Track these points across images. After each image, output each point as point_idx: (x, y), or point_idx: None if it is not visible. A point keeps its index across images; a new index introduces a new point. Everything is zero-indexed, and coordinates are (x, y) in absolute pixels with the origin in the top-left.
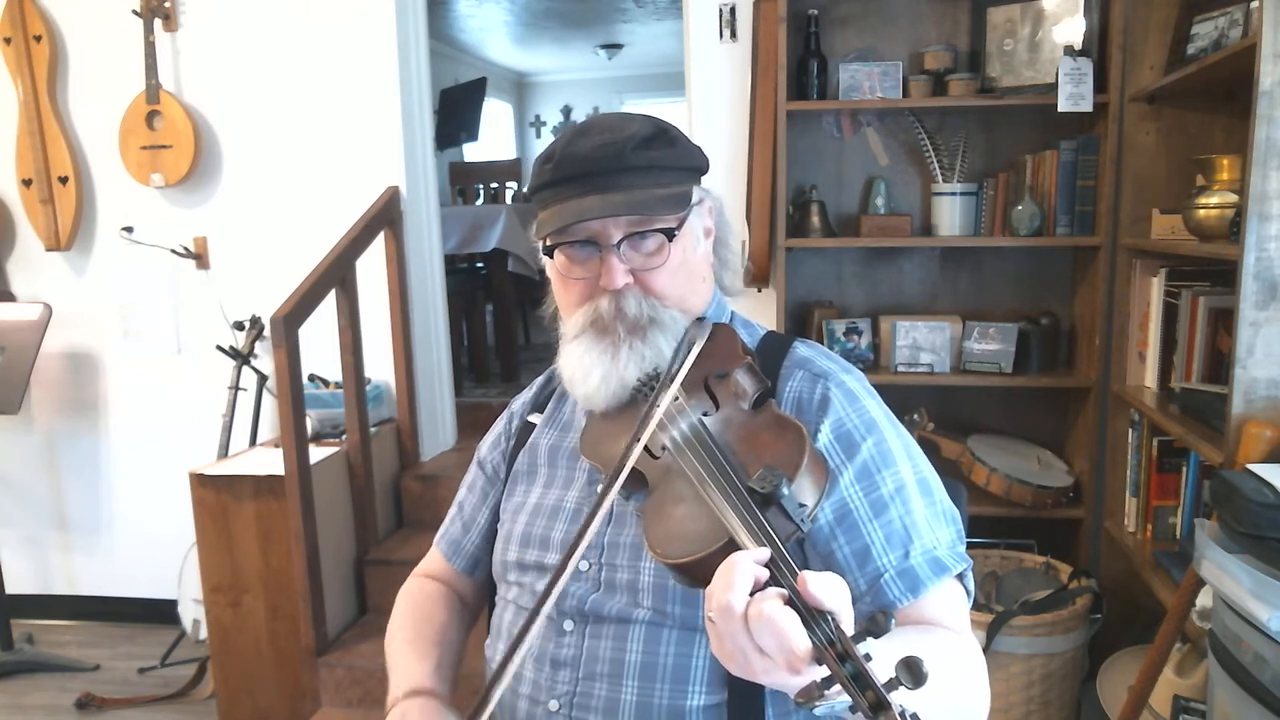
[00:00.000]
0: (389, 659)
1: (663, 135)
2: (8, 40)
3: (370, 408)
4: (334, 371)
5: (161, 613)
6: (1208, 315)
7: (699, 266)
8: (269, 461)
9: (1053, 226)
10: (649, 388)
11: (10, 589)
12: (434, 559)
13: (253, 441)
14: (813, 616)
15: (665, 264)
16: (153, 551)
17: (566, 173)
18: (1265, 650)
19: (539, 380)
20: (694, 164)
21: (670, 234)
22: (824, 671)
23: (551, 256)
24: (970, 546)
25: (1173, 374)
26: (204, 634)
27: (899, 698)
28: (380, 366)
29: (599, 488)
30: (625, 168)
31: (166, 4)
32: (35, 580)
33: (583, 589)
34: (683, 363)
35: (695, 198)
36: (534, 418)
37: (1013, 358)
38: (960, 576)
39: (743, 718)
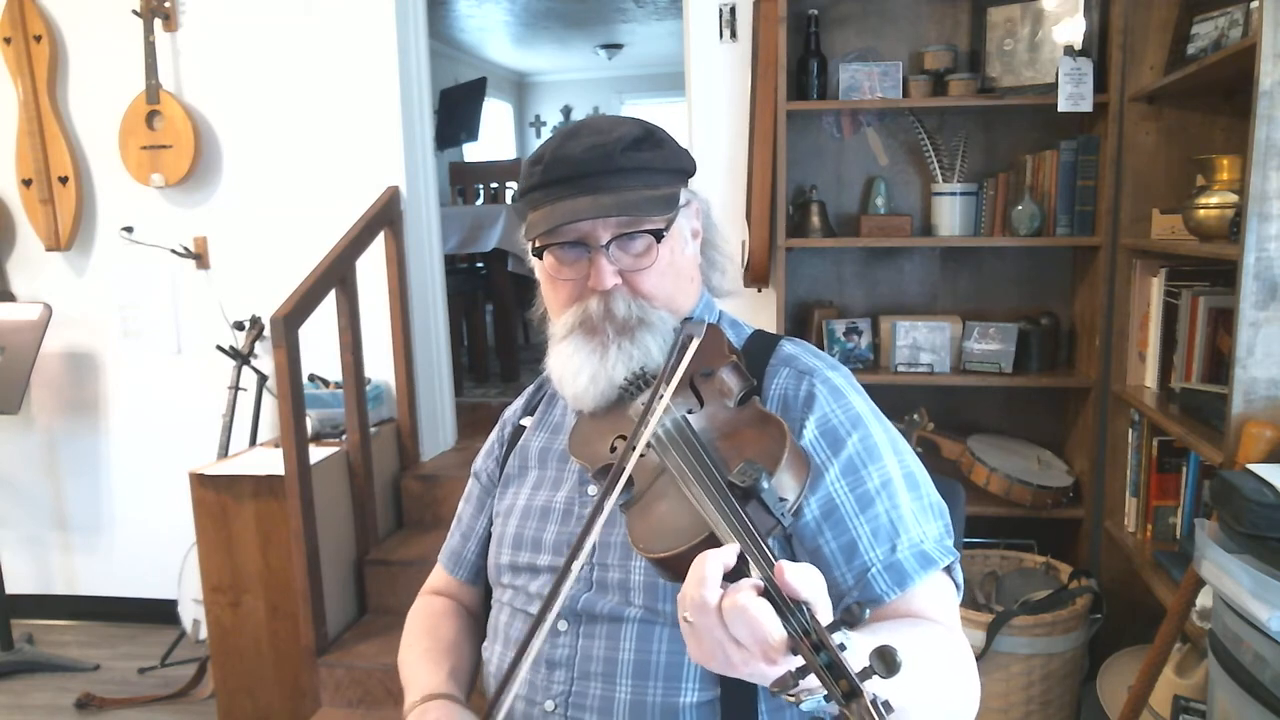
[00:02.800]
0: (403, 674)
1: (651, 137)
2: (8, 40)
3: (370, 408)
4: (334, 371)
5: (161, 613)
6: (1208, 315)
7: (686, 268)
8: (269, 461)
9: (1053, 226)
10: (636, 387)
11: (10, 589)
12: (437, 574)
13: (253, 441)
14: (788, 606)
15: (654, 265)
16: (153, 551)
17: (556, 174)
18: (1265, 650)
19: (530, 387)
20: (681, 166)
21: (659, 235)
22: (800, 661)
23: (541, 258)
24: (970, 546)
25: (1173, 374)
26: (204, 634)
27: (872, 686)
28: (380, 366)
29: (590, 488)
30: (615, 169)
31: (166, 4)
32: (35, 580)
33: (575, 588)
34: (677, 365)
35: (683, 199)
36: (525, 421)
37: (1013, 358)
38: (948, 570)
39: (736, 714)
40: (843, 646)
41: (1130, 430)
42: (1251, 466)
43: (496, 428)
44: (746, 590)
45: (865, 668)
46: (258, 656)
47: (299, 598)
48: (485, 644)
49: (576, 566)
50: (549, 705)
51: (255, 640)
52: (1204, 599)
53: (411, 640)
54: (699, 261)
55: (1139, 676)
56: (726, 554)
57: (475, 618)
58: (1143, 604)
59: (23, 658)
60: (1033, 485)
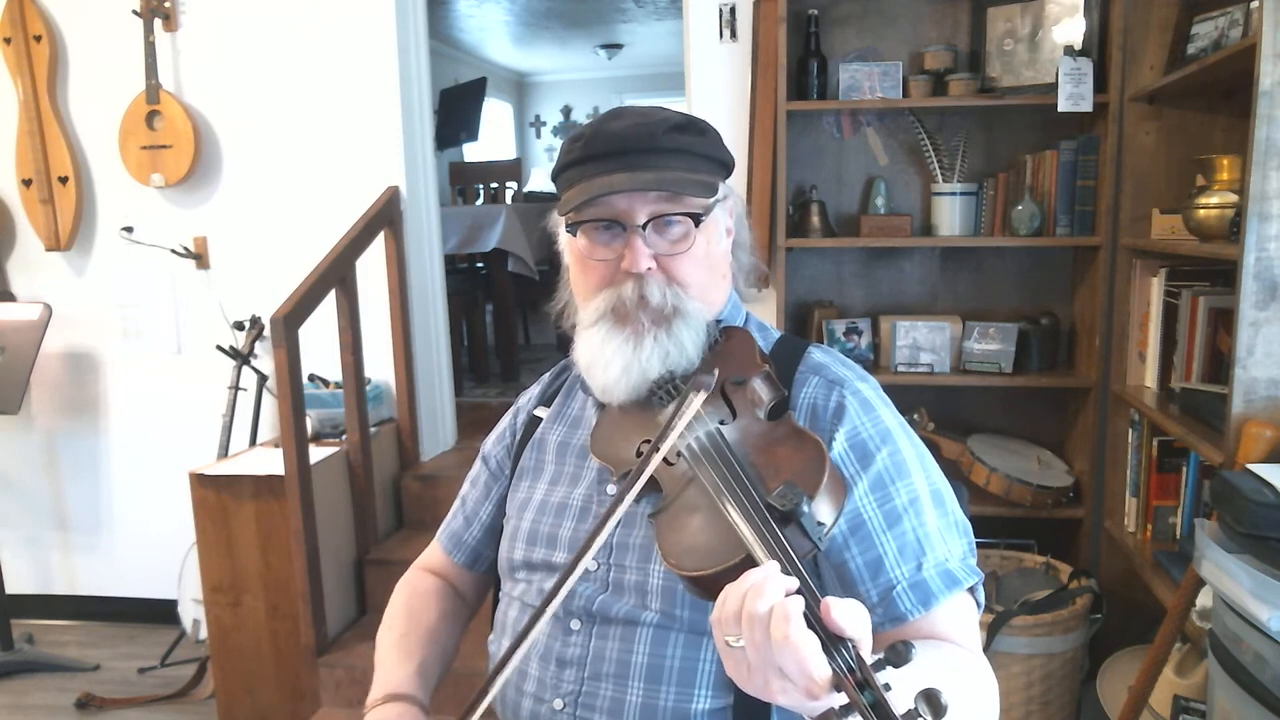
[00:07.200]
0: (377, 654)
1: (694, 124)
2: (8, 40)
3: (370, 408)
4: (334, 371)
5: (161, 613)
6: (1208, 315)
7: (720, 262)
8: (269, 461)
9: (1053, 226)
10: (664, 390)
11: (10, 589)
12: (434, 553)
13: (253, 441)
14: (833, 642)
15: (690, 251)
16: (153, 551)
17: (597, 149)
18: (1265, 650)
19: (547, 375)
20: (722, 158)
21: (697, 219)
22: (843, 699)
23: (575, 235)
24: None
25: (1173, 374)
26: (204, 634)
27: None
28: (380, 366)
29: (609, 488)
30: (656, 148)
31: (166, 4)
32: (35, 580)
33: (591, 589)
34: (687, 405)
35: (721, 193)
36: (540, 411)
37: (1013, 358)
38: (972, 589)
39: None
40: (888, 687)
41: (1130, 430)
42: (1251, 466)
43: (509, 414)
44: (796, 623)
45: (910, 710)
46: (258, 656)
47: (299, 598)
48: (491, 638)
49: (583, 565)
50: (558, 704)
51: (255, 640)
52: (1204, 599)
53: (391, 620)
54: (730, 260)
55: (1139, 676)
56: (789, 582)
57: (465, 603)
58: (1143, 604)
59: (23, 658)
60: (1033, 485)
